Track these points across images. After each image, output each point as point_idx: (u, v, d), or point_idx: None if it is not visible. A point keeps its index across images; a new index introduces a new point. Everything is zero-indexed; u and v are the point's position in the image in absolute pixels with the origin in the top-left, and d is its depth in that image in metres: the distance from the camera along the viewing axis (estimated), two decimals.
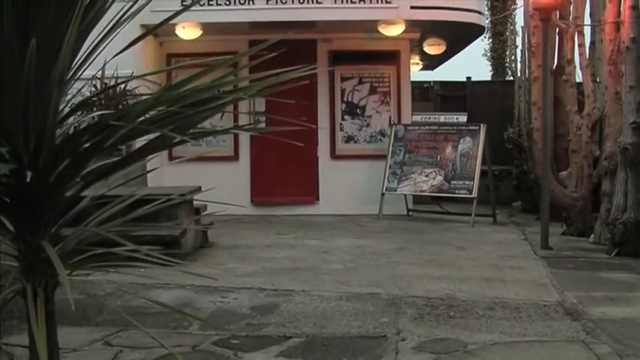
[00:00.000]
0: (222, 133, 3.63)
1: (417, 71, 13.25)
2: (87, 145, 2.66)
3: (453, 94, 13.85)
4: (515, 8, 18.08)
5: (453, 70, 15.50)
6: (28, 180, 2.60)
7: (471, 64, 17.63)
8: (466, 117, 9.38)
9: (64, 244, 3.00)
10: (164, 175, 8.81)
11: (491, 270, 5.77)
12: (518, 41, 13.52)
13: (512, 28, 16.66)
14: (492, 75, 18.40)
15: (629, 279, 5.54)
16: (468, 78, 14.05)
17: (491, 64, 18.58)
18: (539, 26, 8.09)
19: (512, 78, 13.90)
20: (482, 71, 18.94)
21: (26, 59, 2.17)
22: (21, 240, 2.91)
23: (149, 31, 3.26)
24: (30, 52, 2.16)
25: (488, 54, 18.60)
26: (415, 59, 12.17)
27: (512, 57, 14.00)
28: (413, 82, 11.11)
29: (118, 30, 3.04)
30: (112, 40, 2.88)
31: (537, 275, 5.60)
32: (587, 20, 8.73)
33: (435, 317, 4.32)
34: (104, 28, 3.00)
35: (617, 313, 4.42)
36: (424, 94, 13.66)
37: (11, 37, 2.33)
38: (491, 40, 18.25)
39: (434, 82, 13.98)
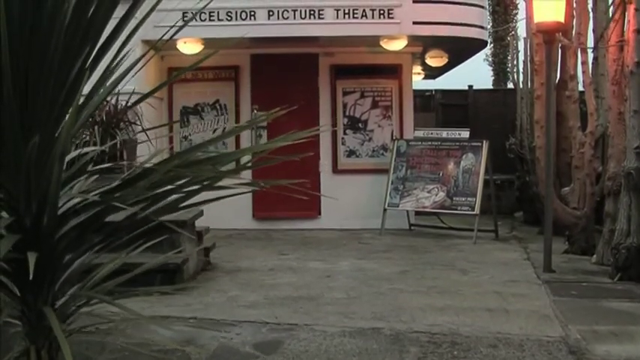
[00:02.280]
0: (226, 195, 3.42)
1: (419, 80, 13.22)
2: (90, 215, 2.65)
3: (454, 103, 13.84)
4: (517, 13, 18.11)
5: (454, 76, 15.48)
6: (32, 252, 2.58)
7: (473, 69, 17.60)
8: (468, 133, 9.36)
9: (63, 308, 2.99)
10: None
11: (494, 298, 5.75)
12: (520, 46, 13.50)
13: (513, 33, 16.66)
14: (494, 80, 18.40)
15: (632, 309, 5.51)
16: (470, 86, 14.04)
17: (492, 70, 18.57)
18: (541, 44, 8.05)
19: (513, 86, 13.88)
20: (484, 76, 18.93)
21: (28, 148, 2.16)
22: (24, 303, 2.91)
23: (170, 79, 3.24)
24: (32, 147, 2.15)
25: (490, 59, 18.58)
26: (417, 69, 12.15)
27: (515, 61, 13.97)
28: (414, 91, 11.09)
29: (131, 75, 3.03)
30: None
31: (540, 305, 5.58)
32: (590, 34, 8.70)
33: (438, 357, 4.30)
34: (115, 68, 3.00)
35: (620, 352, 4.40)
36: (426, 102, 13.66)
37: (14, 122, 2.31)
38: (492, 45, 18.22)
39: (436, 90, 13.97)
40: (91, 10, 2.73)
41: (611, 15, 7.83)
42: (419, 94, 12.98)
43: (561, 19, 6.89)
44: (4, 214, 2.79)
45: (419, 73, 12.67)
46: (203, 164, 2.67)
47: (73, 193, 2.55)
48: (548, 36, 6.97)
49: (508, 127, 12.73)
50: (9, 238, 2.55)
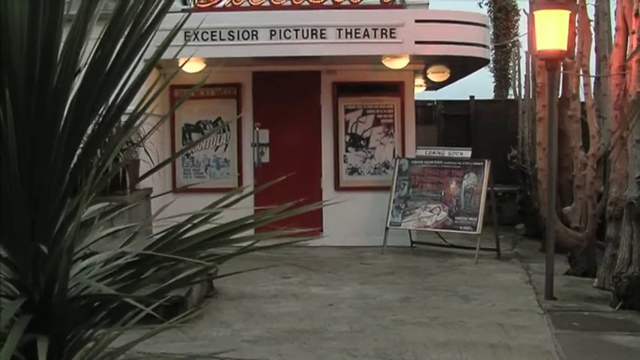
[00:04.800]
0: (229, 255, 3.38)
1: (420, 92, 13.23)
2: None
3: (456, 113, 13.87)
4: (518, 19, 18.09)
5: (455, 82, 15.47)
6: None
7: (474, 74, 17.56)
8: (470, 152, 9.38)
9: None
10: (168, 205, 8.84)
11: (497, 331, 5.78)
12: (522, 53, 13.52)
13: (515, 40, 16.66)
14: (495, 86, 18.39)
15: (633, 344, 5.53)
16: (472, 97, 14.05)
17: (494, 76, 18.55)
18: (544, 66, 8.05)
19: (514, 97, 13.92)
20: (485, 82, 18.89)
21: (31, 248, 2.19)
22: None
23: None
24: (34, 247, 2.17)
25: (491, 65, 18.53)
26: (419, 82, 12.15)
27: (517, 68, 13.99)
28: (416, 102, 11.09)
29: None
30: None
31: (542, 339, 5.60)
32: (593, 54, 8.71)
33: None
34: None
35: None
36: (428, 113, 13.68)
37: (19, 202, 2.33)
38: (494, 51, 18.18)
39: (437, 101, 13.99)
40: (107, 68, 2.68)
41: (613, 38, 7.83)
42: (420, 105, 12.99)
43: (564, 47, 6.89)
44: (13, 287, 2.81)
45: (420, 86, 12.67)
46: (204, 246, 2.69)
47: (80, 280, 2.57)
48: (550, 64, 6.97)
49: (510, 138, 12.77)
50: (22, 320, 2.57)
